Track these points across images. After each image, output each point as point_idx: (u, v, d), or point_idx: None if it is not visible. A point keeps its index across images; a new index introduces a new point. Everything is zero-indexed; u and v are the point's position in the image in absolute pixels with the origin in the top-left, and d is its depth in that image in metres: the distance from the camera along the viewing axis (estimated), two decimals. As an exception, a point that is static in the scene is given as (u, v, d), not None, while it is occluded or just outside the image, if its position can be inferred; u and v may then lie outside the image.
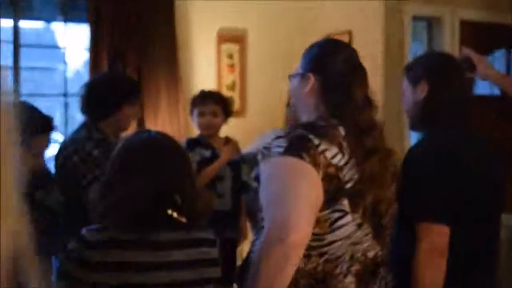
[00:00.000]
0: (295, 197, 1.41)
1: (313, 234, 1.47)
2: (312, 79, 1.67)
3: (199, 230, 1.70)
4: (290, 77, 1.77)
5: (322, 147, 1.50)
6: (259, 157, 1.55)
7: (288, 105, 3.10)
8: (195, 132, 3.54)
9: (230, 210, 3.30)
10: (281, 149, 1.49)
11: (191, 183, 1.73)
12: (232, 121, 3.49)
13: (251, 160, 3.25)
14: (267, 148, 1.53)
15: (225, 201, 3.28)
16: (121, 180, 1.65)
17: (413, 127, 2.11)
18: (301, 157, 1.46)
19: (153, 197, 1.63)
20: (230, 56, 4.45)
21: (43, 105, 2.41)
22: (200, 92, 3.39)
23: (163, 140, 1.76)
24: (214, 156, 3.27)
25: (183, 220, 1.68)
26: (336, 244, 1.53)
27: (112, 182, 1.67)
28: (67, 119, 4.30)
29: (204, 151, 3.28)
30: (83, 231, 1.61)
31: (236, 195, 3.32)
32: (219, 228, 3.13)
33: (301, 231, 1.37)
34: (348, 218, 1.53)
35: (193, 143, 3.32)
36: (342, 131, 1.57)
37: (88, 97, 2.65)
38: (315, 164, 1.46)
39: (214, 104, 3.30)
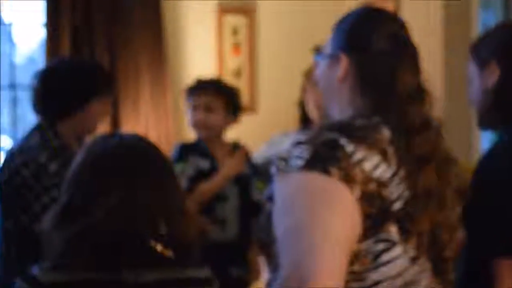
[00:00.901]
0: (319, 233, 1.39)
1: (352, 272, 1.47)
2: (345, 61, 1.66)
3: (191, 267, 1.72)
4: (316, 59, 1.76)
5: (358, 156, 1.48)
6: (273, 170, 1.54)
7: (301, 103, 3.10)
8: (190, 136, 3.53)
9: (236, 240, 3.30)
10: (301, 162, 1.47)
11: (178, 203, 1.74)
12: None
13: (265, 173, 3.23)
14: (284, 158, 1.51)
15: (229, 228, 3.28)
16: (85, 202, 1.65)
17: (482, 124, 2.11)
18: (328, 173, 1.44)
19: (128, 224, 1.63)
20: (235, 33, 4.44)
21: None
22: (195, 81, 3.38)
23: (139, 147, 1.77)
24: (214, 168, 3.26)
25: (170, 254, 1.68)
26: (383, 285, 1.52)
27: (72, 206, 1.67)
28: (15, 118, 4.30)
29: (200, 161, 3.26)
30: (35, 270, 1.63)
31: (244, 220, 3.30)
32: (222, 265, 3.16)
33: (327, 278, 1.35)
34: (398, 250, 1.52)
35: (186, 150, 3.30)
36: (386, 132, 1.56)
37: (43, 91, 2.66)
38: (348, 181, 1.45)
39: (211, 95, 3.29)
